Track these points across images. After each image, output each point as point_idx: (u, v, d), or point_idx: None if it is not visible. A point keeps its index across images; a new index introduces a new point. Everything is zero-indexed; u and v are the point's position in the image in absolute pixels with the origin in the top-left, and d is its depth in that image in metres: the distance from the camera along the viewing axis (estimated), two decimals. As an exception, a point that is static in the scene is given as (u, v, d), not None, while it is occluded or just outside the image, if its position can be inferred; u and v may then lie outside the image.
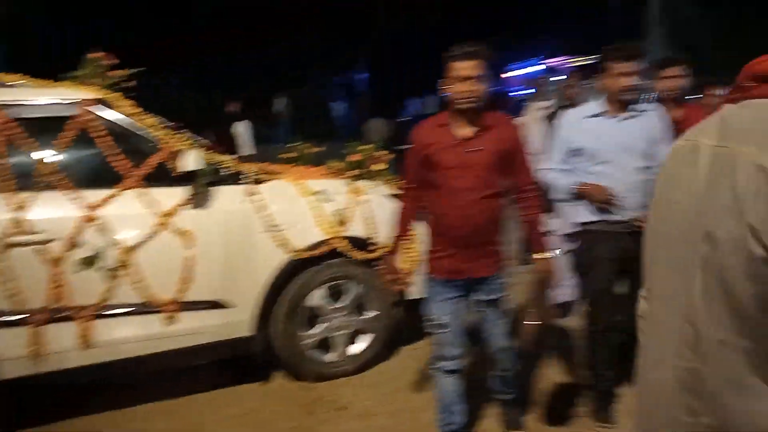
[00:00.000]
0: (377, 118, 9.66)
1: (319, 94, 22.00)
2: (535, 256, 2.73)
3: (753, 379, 0.89)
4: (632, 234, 2.90)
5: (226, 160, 3.42)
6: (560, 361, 3.72)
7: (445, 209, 2.62)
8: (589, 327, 3.12)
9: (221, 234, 3.29)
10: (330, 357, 3.66)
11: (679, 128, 3.42)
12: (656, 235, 1.08)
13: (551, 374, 3.60)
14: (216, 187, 3.31)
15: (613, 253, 2.96)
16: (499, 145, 2.59)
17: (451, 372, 2.78)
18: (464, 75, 2.50)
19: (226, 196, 3.34)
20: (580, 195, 3.00)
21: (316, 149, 4.40)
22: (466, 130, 2.59)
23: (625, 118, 2.98)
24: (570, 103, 4.48)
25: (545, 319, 2.86)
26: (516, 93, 21.32)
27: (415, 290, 3.50)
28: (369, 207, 3.58)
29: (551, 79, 6.94)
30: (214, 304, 3.29)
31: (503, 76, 25.39)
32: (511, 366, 2.87)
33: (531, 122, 5.44)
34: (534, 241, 2.75)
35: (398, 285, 2.99)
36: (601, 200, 2.92)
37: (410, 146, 2.72)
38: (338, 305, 3.63)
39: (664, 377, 1.03)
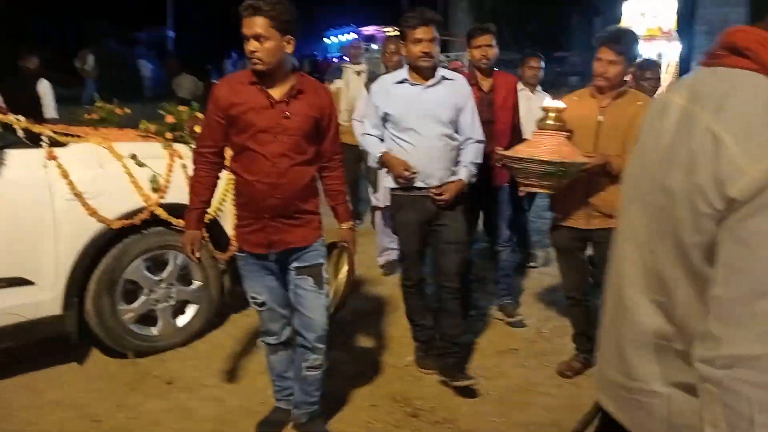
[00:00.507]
0: (186, 74, 8.93)
1: (124, 51, 20.31)
2: (341, 225, 2.68)
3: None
4: (434, 201, 3.03)
5: (16, 122, 3.02)
6: (388, 315, 3.91)
7: (254, 176, 2.39)
8: (402, 282, 3.32)
9: (13, 203, 2.93)
10: (154, 330, 3.46)
11: (490, 97, 3.63)
12: (631, 178, 1.17)
13: (377, 328, 3.78)
14: (6, 152, 2.92)
15: (418, 217, 3.08)
16: (313, 111, 2.44)
17: (276, 345, 2.71)
18: (250, 34, 2.27)
19: (18, 161, 2.96)
20: (383, 164, 3.07)
21: (124, 110, 4.06)
22: (278, 92, 2.39)
23: (430, 86, 2.99)
24: (387, 70, 4.50)
25: (345, 292, 2.76)
26: (333, 58, 21.58)
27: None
28: (188, 172, 3.40)
29: (371, 46, 7.06)
30: (12, 282, 2.93)
31: (325, 41, 25.31)
32: (321, 344, 2.60)
33: (346, 86, 5.55)
34: (339, 212, 2.68)
35: (198, 246, 2.59)
36: (397, 174, 2.99)
37: (211, 104, 2.44)
38: (160, 276, 3.43)
39: (632, 303, 1.11)
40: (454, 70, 3.96)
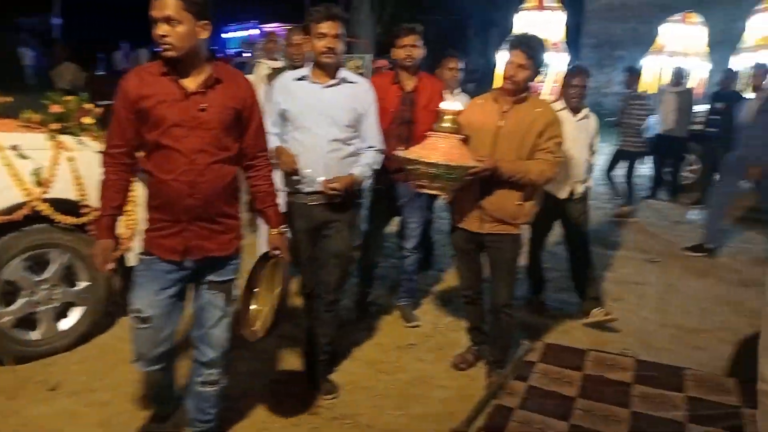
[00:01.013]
0: (68, 63, 8.33)
1: (5, 37, 18.79)
2: (271, 231, 2.48)
3: None
4: (326, 205, 2.88)
5: None
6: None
7: (169, 175, 2.18)
8: (302, 291, 3.22)
9: None
10: (36, 335, 3.24)
11: (414, 97, 3.63)
12: None
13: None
14: None
15: (307, 223, 2.94)
16: (233, 102, 2.25)
17: (155, 370, 2.42)
18: (159, 16, 2.08)
19: None
20: (274, 158, 2.81)
21: (4, 99, 3.77)
22: (193, 83, 2.19)
23: (329, 86, 2.86)
24: (292, 63, 4.29)
25: (276, 310, 2.46)
26: (233, 54, 21.10)
27: (133, 257, 3.26)
28: (76, 165, 3.21)
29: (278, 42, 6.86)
30: None
31: (224, 36, 24.61)
32: (220, 360, 2.44)
33: (257, 82, 5.43)
34: (269, 216, 2.48)
35: (111, 257, 2.37)
36: (286, 170, 2.84)
37: (119, 98, 2.21)
38: (42, 277, 3.22)
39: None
40: (378, 69, 4.00)
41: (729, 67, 8.99)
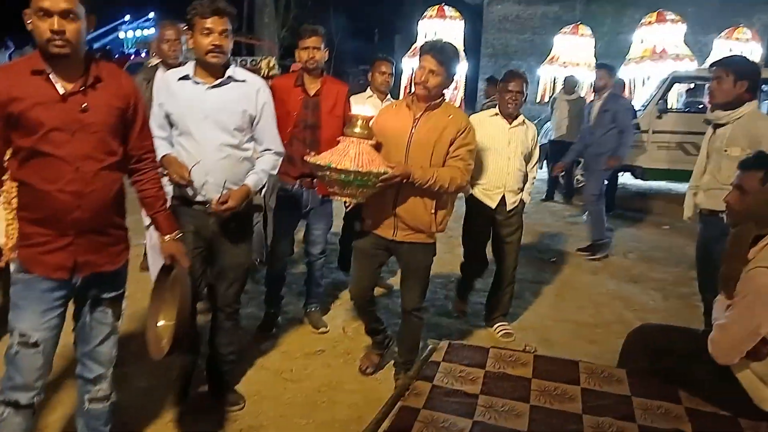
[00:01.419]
0: None
1: None
2: (164, 238, 2.33)
3: None
4: (215, 215, 2.69)
5: None
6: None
7: (52, 186, 1.97)
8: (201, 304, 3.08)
9: None
10: None
11: (318, 101, 3.56)
12: None
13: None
14: None
15: (198, 235, 2.74)
16: (117, 100, 2.08)
17: (27, 407, 2.10)
18: (55, 9, 1.89)
19: None
20: (162, 167, 2.58)
21: None
22: (71, 82, 1.99)
23: (215, 86, 2.63)
24: (168, 63, 3.95)
25: (182, 327, 2.27)
26: (130, 54, 20.16)
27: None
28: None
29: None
30: None
31: (120, 36, 23.49)
32: (107, 374, 2.28)
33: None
34: (160, 221, 2.32)
35: None
36: (173, 177, 2.60)
37: None
38: None
39: None
40: (293, 72, 3.89)
41: (618, 76, 9.61)
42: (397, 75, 12.09)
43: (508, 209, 3.92)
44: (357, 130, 2.76)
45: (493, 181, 3.88)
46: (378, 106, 3.95)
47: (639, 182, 9.71)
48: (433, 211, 2.97)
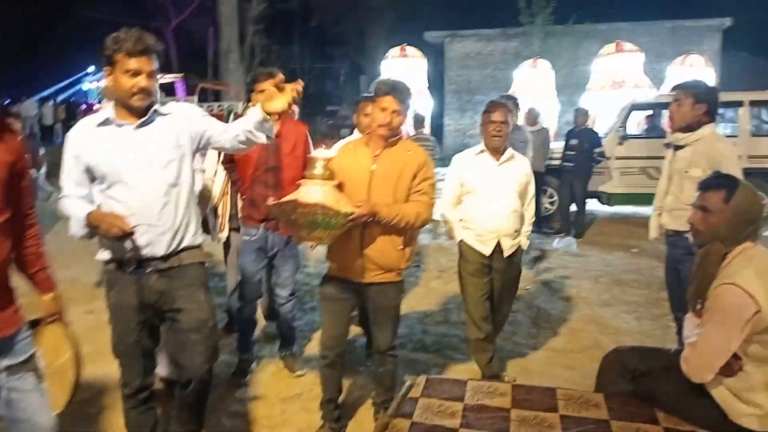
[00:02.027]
0: None
1: None
2: (43, 297, 2.17)
3: None
4: (163, 272, 2.41)
5: None
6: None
7: None
8: (121, 391, 2.61)
9: None
10: None
11: (278, 143, 3.46)
12: None
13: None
14: None
15: (140, 300, 2.40)
16: (8, 155, 1.92)
17: None
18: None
19: None
20: (91, 226, 2.27)
21: None
22: None
23: (142, 125, 2.38)
24: None
25: (75, 378, 2.16)
26: (93, 104, 20.07)
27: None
28: None
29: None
30: None
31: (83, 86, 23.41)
32: None
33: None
34: (40, 280, 2.16)
35: None
36: (113, 233, 2.21)
37: None
38: None
39: None
40: None
41: (581, 106, 9.90)
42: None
43: (505, 255, 3.62)
44: (318, 171, 2.68)
45: (485, 226, 3.59)
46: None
47: (606, 208, 9.92)
48: (401, 247, 2.94)
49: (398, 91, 2.87)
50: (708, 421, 2.23)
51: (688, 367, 2.22)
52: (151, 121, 2.39)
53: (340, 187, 2.79)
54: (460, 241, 3.70)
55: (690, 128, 3.34)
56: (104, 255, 2.42)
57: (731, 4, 18.33)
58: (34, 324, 2.17)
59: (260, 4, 16.74)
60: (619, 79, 11.48)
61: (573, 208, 8.81)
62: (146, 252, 2.37)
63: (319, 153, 2.75)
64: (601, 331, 4.82)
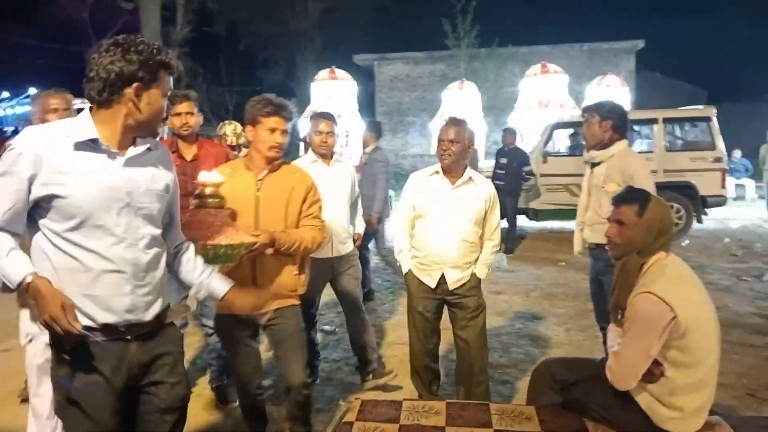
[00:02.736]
0: None
1: None
2: None
3: None
4: (145, 337, 1.90)
5: None
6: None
7: None
8: None
9: None
10: None
11: (196, 166, 3.41)
12: None
13: None
14: None
15: (118, 373, 1.83)
16: None
17: None
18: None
19: None
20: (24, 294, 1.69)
21: None
22: None
23: (135, 157, 1.85)
24: None
25: None
26: (11, 133, 19.12)
27: None
28: None
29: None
30: None
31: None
32: None
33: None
34: None
35: None
36: (63, 326, 1.61)
37: None
38: None
39: None
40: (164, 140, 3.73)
41: (509, 126, 10.21)
42: (294, 138, 12.25)
43: (450, 289, 3.29)
44: (210, 199, 2.42)
45: (430, 255, 3.29)
46: (324, 171, 3.61)
47: (534, 224, 10.24)
48: (297, 272, 2.80)
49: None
50: (634, 427, 2.30)
51: (613, 375, 2.29)
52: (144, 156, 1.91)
53: (233, 215, 2.56)
54: (407, 271, 3.41)
55: (603, 146, 3.50)
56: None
57: (643, 27, 19.53)
58: None
59: (185, 27, 16.47)
60: (545, 100, 11.92)
61: (504, 224, 9.04)
62: (125, 318, 1.85)
63: (208, 177, 2.44)
64: (532, 345, 4.92)
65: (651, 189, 2.86)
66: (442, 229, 3.23)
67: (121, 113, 1.78)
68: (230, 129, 4.86)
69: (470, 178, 3.27)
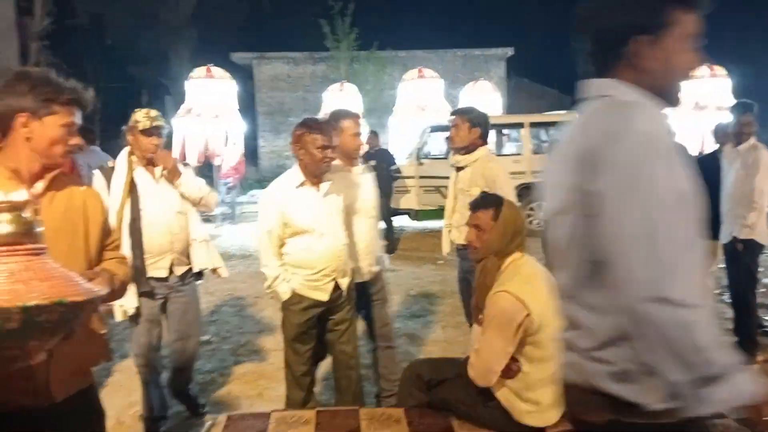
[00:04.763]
0: None
1: None
2: None
3: None
4: None
5: None
6: None
7: None
8: None
9: None
10: None
11: None
12: None
13: None
14: None
15: None
16: None
17: None
18: None
19: None
20: None
21: None
22: None
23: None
24: None
25: None
26: None
27: None
28: None
29: None
30: None
31: None
32: None
33: None
34: None
35: None
36: None
37: None
38: None
39: None
40: None
41: (374, 130, 10.44)
42: (169, 137, 11.80)
43: (341, 298, 3.15)
44: (6, 229, 1.41)
45: (322, 269, 3.05)
46: (346, 179, 3.27)
47: (415, 223, 10.49)
48: (104, 331, 1.92)
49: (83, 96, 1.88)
50: (496, 422, 2.40)
51: (474, 372, 2.37)
52: None
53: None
54: (292, 294, 3.06)
55: (468, 150, 3.65)
56: None
57: (513, 35, 20.65)
58: None
59: (43, 19, 15.23)
60: (422, 104, 12.26)
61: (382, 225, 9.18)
62: None
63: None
64: (411, 343, 5.02)
65: (510, 191, 2.99)
66: (328, 240, 3.04)
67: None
68: (141, 114, 3.42)
69: (333, 182, 3.11)
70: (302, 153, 2.99)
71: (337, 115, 3.38)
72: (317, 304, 3.07)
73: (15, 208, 1.44)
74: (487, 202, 2.49)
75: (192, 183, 3.32)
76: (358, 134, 3.39)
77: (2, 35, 14.19)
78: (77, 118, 1.81)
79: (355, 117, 3.43)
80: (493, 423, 2.40)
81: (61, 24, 16.48)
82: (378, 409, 2.56)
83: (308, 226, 3.00)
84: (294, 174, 3.07)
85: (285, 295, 3.05)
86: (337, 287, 3.10)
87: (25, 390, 1.62)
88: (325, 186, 3.06)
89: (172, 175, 3.23)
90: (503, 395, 2.39)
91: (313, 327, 3.12)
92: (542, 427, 2.37)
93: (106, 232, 1.93)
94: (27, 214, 1.44)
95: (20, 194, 1.47)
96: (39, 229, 1.46)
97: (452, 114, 3.80)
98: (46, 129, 1.72)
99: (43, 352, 1.48)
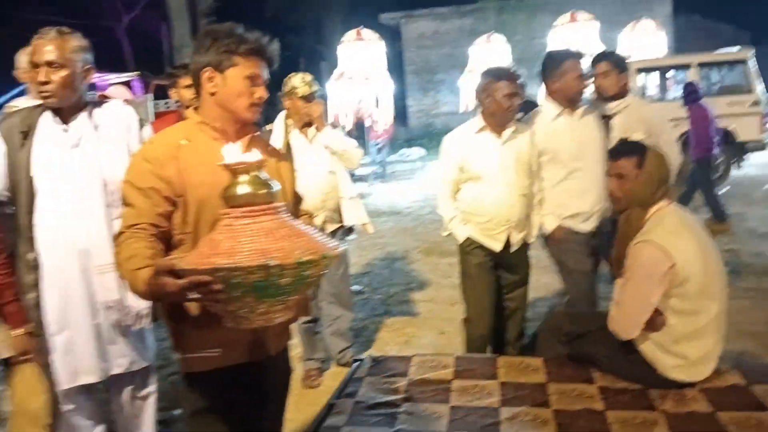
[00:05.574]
0: None
1: None
2: (13, 333, 2.10)
3: None
4: None
5: None
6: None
7: None
8: None
9: None
10: None
11: None
12: None
13: None
14: None
15: None
16: None
17: None
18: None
19: None
20: None
21: None
22: None
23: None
24: None
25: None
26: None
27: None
28: None
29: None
30: None
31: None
32: None
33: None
34: (10, 313, 2.09)
35: None
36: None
37: None
38: None
39: None
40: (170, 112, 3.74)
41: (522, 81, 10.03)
42: (325, 102, 12.36)
43: (512, 251, 3.09)
44: (247, 189, 1.46)
45: (495, 218, 3.00)
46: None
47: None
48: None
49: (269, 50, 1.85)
50: (639, 376, 2.33)
51: (615, 325, 2.31)
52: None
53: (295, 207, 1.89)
54: (466, 238, 3.08)
55: (618, 96, 3.46)
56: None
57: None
58: (5, 363, 2.10)
59: (210, -4, 16.50)
60: (575, 49, 11.58)
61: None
62: None
63: (236, 156, 1.49)
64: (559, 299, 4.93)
65: (672, 139, 2.79)
66: (501, 188, 2.98)
67: None
68: (298, 80, 3.43)
69: (516, 130, 3.05)
70: (488, 101, 2.97)
71: (558, 57, 3.23)
72: (491, 252, 3.06)
73: (251, 168, 1.47)
74: (630, 149, 2.36)
75: (335, 135, 3.49)
76: (581, 76, 3.18)
77: (176, 14, 15.63)
78: (261, 71, 1.75)
79: (578, 57, 3.23)
80: (636, 376, 2.33)
81: (225, 1, 17.74)
82: (516, 358, 2.59)
83: (481, 171, 2.99)
84: (476, 120, 3.09)
85: (461, 236, 3.09)
86: (508, 241, 3.04)
87: (251, 345, 1.76)
88: (507, 133, 3.00)
89: (318, 123, 3.39)
90: (647, 348, 2.31)
91: (490, 273, 3.12)
92: (690, 381, 2.26)
93: (297, 194, 2.00)
94: (263, 173, 1.49)
95: (253, 155, 1.50)
96: (276, 188, 1.49)
97: (597, 60, 3.60)
98: (229, 81, 1.72)
99: (290, 308, 1.52)
